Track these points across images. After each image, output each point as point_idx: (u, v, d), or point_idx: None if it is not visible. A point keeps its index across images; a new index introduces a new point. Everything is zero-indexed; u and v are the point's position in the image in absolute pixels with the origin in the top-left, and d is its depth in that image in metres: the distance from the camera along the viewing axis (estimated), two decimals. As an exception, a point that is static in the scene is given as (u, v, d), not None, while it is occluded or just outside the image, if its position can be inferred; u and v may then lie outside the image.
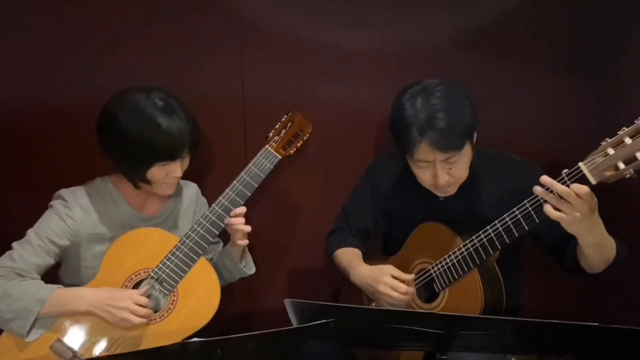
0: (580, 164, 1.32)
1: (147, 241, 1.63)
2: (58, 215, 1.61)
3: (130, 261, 1.61)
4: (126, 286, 1.59)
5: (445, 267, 1.58)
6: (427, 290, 1.66)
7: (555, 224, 1.35)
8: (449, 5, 1.84)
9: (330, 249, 1.86)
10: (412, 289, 1.61)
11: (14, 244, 1.58)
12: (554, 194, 1.32)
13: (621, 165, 1.26)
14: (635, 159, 1.24)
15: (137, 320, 1.53)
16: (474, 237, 1.53)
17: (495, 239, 1.49)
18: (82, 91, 1.85)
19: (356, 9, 1.86)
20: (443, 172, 1.52)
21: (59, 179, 1.71)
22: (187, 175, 1.89)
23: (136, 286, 1.60)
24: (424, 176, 1.56)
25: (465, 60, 1.86)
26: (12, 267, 1.54)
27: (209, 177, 1.80)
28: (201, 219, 1.64)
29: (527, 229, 1.44)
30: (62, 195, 1.63)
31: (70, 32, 1.86)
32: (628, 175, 1.27)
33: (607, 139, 1.29)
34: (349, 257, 1.76)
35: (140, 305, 1.54)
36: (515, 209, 1.45)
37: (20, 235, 1.60)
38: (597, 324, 1.19)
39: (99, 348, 1.55)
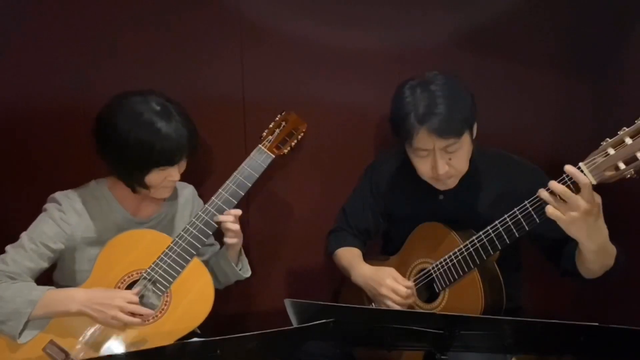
0: (580, 164, 1.32)
1: (140, 242, 1.63)
2: (52, 219, 1.60)
3: (123, 262, 1.61)
4: (119, 287, 1.59)
5: (446, 267, 1.58)
6: (427, 290, 1.66)
7: (554, 226, 1.35)
8: (448, 5, 1.84)
9: (330, 248, 1.86)
10: (413, 293, 1.60)
11: (8, 247, 1.58)
12: (557, 197, 1.32)
13: (622, 165, 1.26)
14: (636, 159, 1.24)
15: (128, 319, 1.52)
16: (474, 237, 1.53)
17: (495, 239, 1.49)
18: (82, 91, 1.85)
19: (356, 9, 1.86)
20: (442, 161, 1.52)
21: (59, 180, 1.71)
22: (187, 176, 1.89)
23: (129, 287, 1.60)
24: (424, 167, 1.56)
25: (465, 60, 1.86)
26: (4, 271, 1.54)
27: (208, 177, 1.80)
28: (194, 220, 1.64)
29: (527, 229, 1.44)
30: (56, 199, 1.62)
31: (69, 32, 1.86)
32: (629, 176, 1.27)
33: (608, 139, 1.29)
34: (349, 257, 1.76)
35: (131, 305, 1.53)
36: (515, 209, 1.45)
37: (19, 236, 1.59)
38: (597, 324, 1.19)
39: (92, 349, 1.55)
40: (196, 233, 1.63)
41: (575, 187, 1.30)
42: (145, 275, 1.60)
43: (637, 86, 1.79)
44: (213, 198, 1.66)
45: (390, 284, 1.58)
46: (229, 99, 1.92)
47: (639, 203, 1.41)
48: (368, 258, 1.76)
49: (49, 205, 1.63)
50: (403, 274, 1.63)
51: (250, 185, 1.68)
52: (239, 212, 1.65)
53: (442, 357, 1.30)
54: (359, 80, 1.91)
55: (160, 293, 1.60)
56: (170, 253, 1.61)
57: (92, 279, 1.59)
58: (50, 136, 1.85)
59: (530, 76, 1.88)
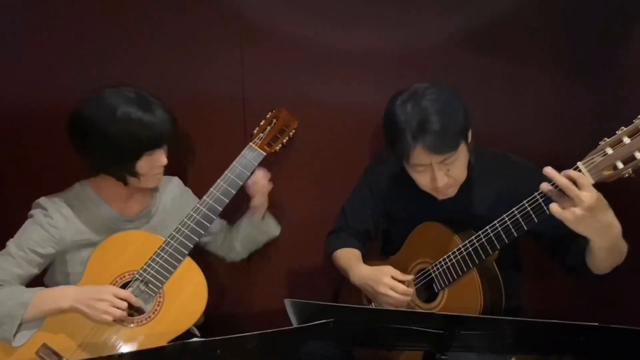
0: (579, 163, 1.32)
1: (131, 243, 1.64)
2: (39, 224, 1.59)
3: (115, 264, 1.61)
4: None
5: (445, 267, 1.58)
6: (426, 290, 1.66)
7: (556, 223, 1.35)
8: (448, 5, 1.84)
9: (329, 249, 1.86)
10: (411, 290, 1.61)
11: None
12: (557, 189, 1.31)
13: (620, 165, 1.26)
14: (634, 158, 1.24)
15: (118, 312, 1.52)
16: (473, 237, 1.53)
17: (494, 239, 1.49)
18: (82, 91, 1.85)
19: (356, 9, 1.86)
20: (441, 173, 1.52)
21: (58, 180, 1.72)
22: (187, 175, 1.91)
23: (122, 288, 1.60)
24: (423, 180, 1.56)
25: (465, 60, 1.86)
26: None
27: (208, 177, 1.79)
28: (185, 219, 1.65)
29: (526, 229, 1.44)
30: (41, 204, 1.62)
31: (69, 32, 1.86)
32: (627, 175, 1.27)
33: (606, 138, 1.29)
34: (349, 258, 1.76)
35: (121, 299, 1.54)
36: (514, 209, 1.45)
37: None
38: (597, 324, 1.19)
39: (87, 351, 1.55)
40: (188, 233, 1.63)
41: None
42: (137, 276, 1.60)
43: (636, 86, 1.79)
44: (204, 197, 1.68)
45: (388, 282, 1.58)
46: (229, 98, 1.92)
47: (639, 203, 1.41)
48: (368, 258, 1.76)
49: (34, 211, 1.62)
50: (402, 274, 1.64)
51: (241, 183, 1.69)
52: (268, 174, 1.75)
53: (442, 357, 1.30)
54: (359, 81, 1.91)
55: (152, 294, 1.60)
56: (162, 253, 1.61)
57: (84, 281, 1.59)
58: (50, 137, 1.85)
59: (530, 76, 1.88)
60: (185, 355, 1.23)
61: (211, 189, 1.69)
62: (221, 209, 1.68)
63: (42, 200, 1.63)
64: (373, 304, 1.69)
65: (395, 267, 1.64)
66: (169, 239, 1.63)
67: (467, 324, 1.27)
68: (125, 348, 1.56)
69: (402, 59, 1.87)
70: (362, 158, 1.90)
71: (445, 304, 1.60)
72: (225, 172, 1.70)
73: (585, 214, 1.28)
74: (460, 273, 1.55)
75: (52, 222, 1.60)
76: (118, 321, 1.56)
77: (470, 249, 1.53)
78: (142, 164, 1.60)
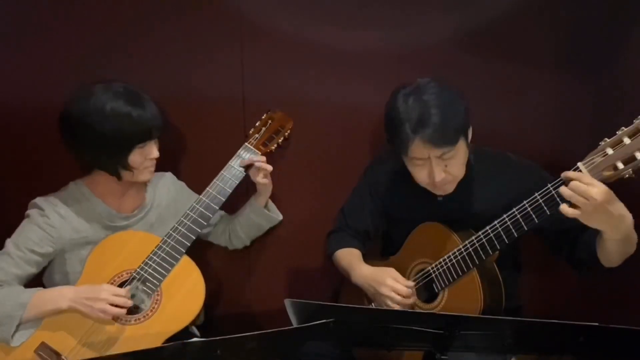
0: (579, 163, 1.32)
1: (128, 243, 1.64)
2: (36, 224, 1.60)
3: (112, 263, 1.62)
4: None
5: (445, 267, 1.58)
6: (426, 290, 1.66)
7: (558, 218, 1.35)
8: (448, 5, 1.84)
9: (329, 249, 1.86)
10: (412, 293, 1.61)
11: None
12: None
13: (620, 165, 1.27)
14: (634, 158, 1.24)
15: (115, 311, 1.53)
16: (473, 237, 1.53)
17: (494, 239, 1.49)
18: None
19: (356, 9, 1.86)
20: (439, 169, 1.52)
21: (55, 180, 1.72)
22: (187, 175, 1.91)
23: (120, 287, 1.59)
24: (421, 175, 1.56)
25: (464, 60, 1.86)
26: None
27: (208, 177, 1.80)
28: (182, 218, 1.66)
29: (526, 229, 1.44)
30: (37, 204, 1.63)
31: (69, 32, 1.86)
32: (627, 175, 1.27)
33: (606, 138, 1.29)
34: (349, 258, 1.76)
35: (119, 298, 1.54)
36: (514, 209, 1.45)
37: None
38: (597, 324, 1.19)
39: (86, 349, 1.55)
40: (184, 231, 1.64)
41: None
42: (135, 274, 1.61)
43: (636, 86, 1.79)
44: (201, 196, 1.70)
45: (390, 284, 1.58)
46: (229, 99, 1.92)
47: (639, 203, 1.41)
48: (368, 258, 1.76)
49: (31, 211, 1.63)
50: (402, 274, 1.63)
51: (237, 182, 1.72)
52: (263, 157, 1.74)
53: (442, 357, 1.30)
54: (359, 81, 1.91)
55: (150, 292, 1.61)
56: (159, 252, 1.62)
57: (82, 281, 1.60)
58: (48, 137, 1.84)
59: (530, 76, 1.88)
60: (185, 355, 1.23)
61: (208, 188, 1.71)
62: (218, 208, 1.70)
63: (38, 200, 1.64)
64: (373, 304, 1.69)
65: (395, 267, 1.64)
66: (165, 238, 1.63)
67: (467, 324, 1.27)
68: (123, 346, 1.56)
69: (402, 58, 1.87)
70: (362, 158, 1.90)
71: (445, 304, 1.60)
72: (221, 171, 1.72)
73: (597, 209, 1.28)
74: (461, 273, 1.55)
75: (49, 221, 1.60)
76: (116, 319, 1.57)
77: (470, 249, 1.53)
78: (134, 157, 1.61)
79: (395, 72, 1.86)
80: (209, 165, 1.82)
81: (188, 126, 1.94)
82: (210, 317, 1.85)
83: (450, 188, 1.59)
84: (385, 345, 1.47)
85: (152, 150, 1.65)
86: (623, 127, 1.27)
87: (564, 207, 1.32)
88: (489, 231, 1.50)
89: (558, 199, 1.35)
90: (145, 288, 1.61)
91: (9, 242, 1.60)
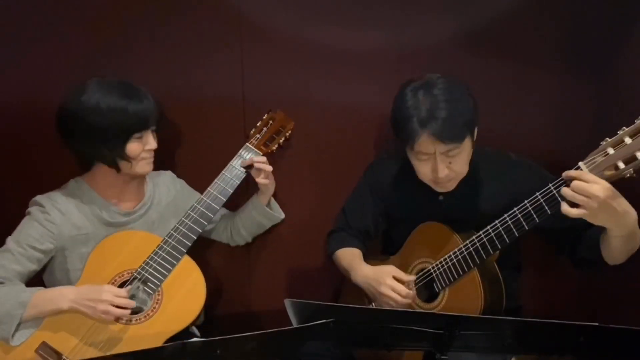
0: (580, 163, 1.32)
1: (129, 243, 1.64)
2: (37, 221, 1.61)
3: (113, 263, 1.62)
4: None
5: (446, 266, 1.58)
6: (427, 290, 1.66)
7: (556, 219, 1.35)
8: (448, 5, 1.84)
9: (330, 249, 1.86)
10: (413, 292, 1.60)
11: None
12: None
13: (621, 165, 1.27)
14: (635, 158, 1.24)
15: (117, 312, 1.53)
16: (474, 237, 1.53)
17: (495, 238, 1.49)
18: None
19: (356, 9, 1.86)
20: (443, 165, 1.52)
21: (56, 178, 1.72)
22: (186, 175, 1.90)
23: (121, 287, 1.60)
24: (424, 170, 1.56)
25: (464, 60, 1.86)
26: None
27: (208, 177, 1.80)
28: (183, 218, 1.66)
29: (527, 228, 1.44)
30: (38, 201, 1.64)
31: (69, 32, 1.86)
32: (628, 175, 1.27)
33: (607, 138, 1.30)
34: (350, 258, 1.76)
35: (120, 299, 1.54)
36: (515, 208, 1.45)
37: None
38: (597, 324, 1.19)
39: (86, 349, 1.55)
40: (185, 231, 1.64)
41: None
42: (135, 274, 1.61)
43: (637, 86, 1.79)
44: (202, 196, 1.69)
45: (390, 283, 1.58)
46: (229, 98, 1.92)
47: (639, 203, 1.41)
48: (368, 258, 1.76)
49: (32, 209, 1.64)
50: (403, 274, 1.63)
51: (238, 182, 1.72)
52: (263, 158, 1.74)
53: (442, 357, 1.30)
54: (359, 81, 1.91)
55: (151, 292, 1.61)
56: (160, 252, 1.62)
57: (83, 280, 1.60)
58: (48, 136, 1.84)
59: (530, 76, 1.87)
60: (185, 355, 1.23)
61: (209, 188, 1.71)
62: (219, 208, 1.70)
63: (39, 197, 1.65)
64: (373, 303, 1.69)
65: (396, 266, 1.64)
66: (166, 238, 1.64)
67: (467, 324, 1.27)
68: (124, 346, 1.56)
69: (402, 59, 1.87)
70: (363, 158, 1.89)
71: (445, 304, 1.60)
72: (222, 171, 1.72)
73: (602, 206, 1.28)
74: (461, 273, 1.55)
75: (49, 217, 1.61)
76: (117, 319, 1.56)
77: (471, 248, 1.53)
78: (132, 147, 1.62)
79: (396, 72, 1.85)
80: (209, 164, 1.82)
81: (188, 126, 1.94)
82: (210, 317, 1.85)
83: (452, 185, 1.58)
84: (385, 345, 1.47)
85: (150, 141, 1.66)
86: (624, 127, 1.27)
87: (566, 208, 1.31)
88: (490, 231, 1.49)
89: (559, 199, 1.35)
90: (146, 288, 1.61)
91: (9, 239, 1.60)
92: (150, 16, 1.86)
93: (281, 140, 1.81)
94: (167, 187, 1.81)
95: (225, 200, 1.69)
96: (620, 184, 1.30)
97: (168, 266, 1.62)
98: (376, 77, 1.89)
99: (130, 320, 1.58)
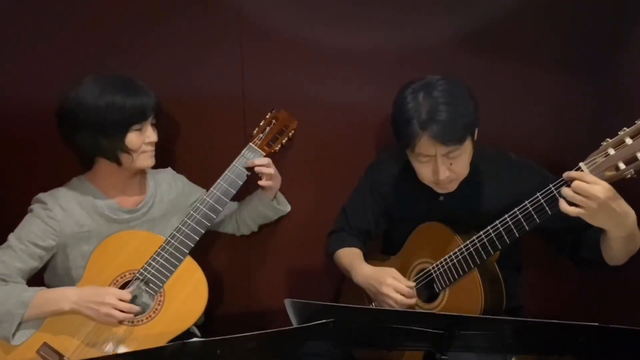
0: (581, 164, 1.32)
1: (131, 242, 1.64)
2: (39, 218, 1.60)
3: (115, 263, 1.61)
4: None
5: (446, 267, 1.58)
6: (427, 290, 1.66)
7: (561, 217, 1.35)
8: (448, 5, 1.84)
9: (330, 249, 1.86)
10: (413, 292, 1.60)
11: None
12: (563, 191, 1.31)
13: (622, 166, 1.27)
14: (636, 159, 1.25)
15: (121, 316, 1.53)
16: (474, 237, 1.53)
17: (495, 239, 1.49)
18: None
19: (356, 9, 1.86)
20: (444, 167, 1.52)
21: (58, 177, 1.72)
22: (187, 175, 1.90)
23: (123, 288, 1.60)
24: (425, 171, 1.56)
25: (464, 60, 1.86)
26: None
27: (208, 177, 1.80)
28: (186, 219, 1.66)
29: (527, 228, 1.44)
30: (40, 199, 1.64)
31: (69, 31, 1.86)
32: (629, 176, 1.27)
33: (608, 139, 1.30)
34: (350, 258, 1.76)
35: (124, 302, 1.54)
36: (516, 209, 1.45)
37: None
38: (597, 324, 1.19)
39: (87, 350, 1.55)
40: (188, 232, 1.64)
41: None
42: (138, 275, 1.60)
43: (637, 86, 1.79)
44: (204, 197, 1.69)
45: (392, 283, 1.58)
46: (229, 98, 1.92)
47: (639, 204, 1.41)
48: (368, 258, 1.76)
49: (34, 206, 1.64)
50: (403, 274, 1.63)
51: (241, 182, 1.71)
52: (267, 160, 1.74)
53: (442, 357, 1.30)
54: (359, 81, 1.91)
55: (153, 293, 1.60)
56: (163, 252, 1.62)
57: (84, 280, 1.59)
58: (49, 135, 1.84)
59: (530, 76, 1.87)
60: (185, 355, 1.23)
61: (211, 189, 1.70)
62: (222, 209, 1.69)
63: (41, 195, 1.65)
64: (373, 303, 1.69)
65: (396, 266, 1.64)
66: (169, 238, 1.63)
67: (467, 324, 1.27)
68: (125, 347, 1.55)
69: (403, 59, 1.87)
70: (363, 158, 1.89)
71: (446, 304, 1.60)
72: (226, 171, 1.71)
73: (601, 207, 1.28)
74: (462, 273, 1.55)
75: (51, 214, 1.61)
76: (120, 322, 1.56)
77: (471, 249, 1.53)
78: (132, 139, 1.62)
79: (396, 72, 1.85)
80: (209, 164, 1.82)
81: (188, 125, 1.94)
82: (210, 317, 1.85)
83: (453, 186, 1.59)
84: (385, 345, 1.47)
85: (150, 133, 1.66)
86: (625, 128, 1.27)
87: (564, 206, 1.31)
88: (490, 231, 1.49)
89: (559, 198, 1.35)
90: (148, 289, 1.61)
91: (11, 236, 1.60)
92: (150, 16, 1.86)
93: (284, 140, 1.80)
94: (168, 184, 1.81)
95: (228, 201, 1.69)
96: (619, 184, 1.30)
97: (171, 267, 1.61)
98: (376, 76, 1.89)
99: (132, 322, 1.58)
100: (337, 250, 1.82)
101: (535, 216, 1.42)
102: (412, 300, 1.59)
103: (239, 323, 2.04)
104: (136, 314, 1.58)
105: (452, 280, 1.57)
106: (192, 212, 1.66)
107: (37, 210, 1.62)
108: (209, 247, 1.99)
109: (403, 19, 1.86)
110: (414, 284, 1.62)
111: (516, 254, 1.71)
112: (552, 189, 1.38)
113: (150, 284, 1.60)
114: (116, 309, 1.52)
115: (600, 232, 1.41)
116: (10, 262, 1.56)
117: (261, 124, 1.80)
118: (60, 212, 1.62)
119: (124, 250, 1.62)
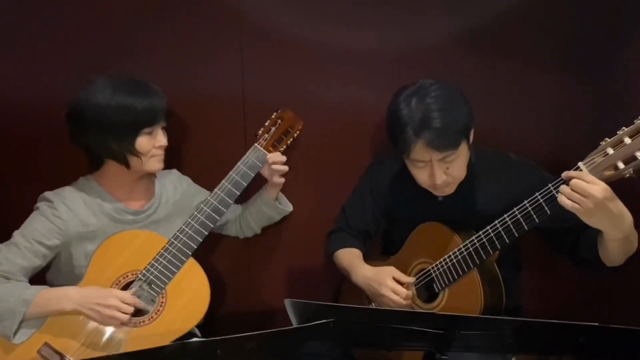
0: (580, 163, 1.33)
1: (134, 243, 1.63)
2: (44, 216, 1.60)
3: (117, 263, 1.61)
4: (115, 288, 1.59)
5: (445, 267, 1.58)
6: (427, 290, 1.66)
7: (561, 216, 1.34)
8: (448, 5, 1.84)
9: (330, 249, 1.86)
10: (413, 292, 1.60)
11: (0, 246, 1.58)
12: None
13: (621, 165, 1.27)
14: (635, 158, 1.25)
15: (125, 317, 1.53)
16: (473, 237, 1.53)
17: (495, 239, 1.49)
18: (82, 89, 1.85)
19: (356, 9, 1.86)
20: (440, 171, 1.52)
21: (63, 177, 1.72)
22: (187, 175, 1.90)
23: (125, 288, 1.60)
24: (422, 176, 1.56)
25: (465, 60, 1.86)
26: None
27: (208, 177, 1.80)
28: (189, 220, 1.65)
29: (527, 228, 1.44)
30: (46, 197, 1.64)
31: (69, 33, 1.86)
32: (627, 175, 1.27)
33: (607, 138, 1.30)
34: (350, 258, 1.76)
35: (127, 304, 1.54)
36: (515, 209, 1.45)
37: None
38: (597, 324, 1.19)
39: (89, 350, 1.54)
40: (192, 233, 1.64)
41: None
42: (140, 276, 1.60)
43: (637, 86, 1.79)
44: (208, 197, 1.68)
45: (390, 285, 1.58)
46: (229, 98, 1.92)
47: (639, 203, 1.41)
48: (368, 258, 1.77)
49: (40, 204, 1.64)
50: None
51: (246, 184, 1.70)
52: (283, 157, 1.75)
53: (442, 357, 1.30)
54: (358, 81, 1.91)
55: (155, 294, 1.60)
56: (166, 254, 1.61)
57: (87, 280, 1.59)
58: (53, 134, 1.85)
59: (530, 76, 1.88)
60: (185, 355, 1.23)
61: (216, 190, 1.69)
62: (225, 210, 1.68)
63: (47, 193, 1.65)
64: (373, 304, 1.69)
65: (396, 266, 1.64)
66: (172, 239, 1.63)
67: (467, 324, 1.27)
68: (127, 348, 1.55)
69: (403, 59, 1.87)
70: (363, 158, 1.90)
71: (445, 304, 1.60)
72: (230, 172, 1.70)
73: (598, 207, 1.28)
74: (461, 273, 1.55)
75: (57, 213, 1.61)
76: (122, 324, 1.56)
77: (470, 249, 1.53)
78: (142, 142, 1.62)
79: (396, 73, 1.86)
80: (209, 164, 1.82)
81: (188, 125, 1.94)
82: (210, 317, 1.85)
83: (450, 190, 1.59)
84: (385, 345, 1.47)
85: (160, 137, 1.66)
86: (624, 127, 1.27)
87: (562, 199, 1.31)
88: (490, 231, 1.50)
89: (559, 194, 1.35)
90: (150, 290, 1.60)
91: (16, 233, 1.59)
92: (150, 17, 1.86)
93: (289, 141, 1.79)
94: (174, 185, 1.81)
95: (232, 202, 1.68)
96: (617, 187, 1.30)
97: (173, 268, 1.61)
98: (376, 77, 1.89)
99: (134, 323, 1.58)
100: (337, 250, 1.82)
101: (534, 216, 1.42)
102: (410, 302, 1.59)
103: (239, 323, 2.04)
104: (138, 315, 1.58)
105: (451, 280, 1.57)
106: (195, 213, 1.66)
107: (42, 208, 1.62)
108: (209, 247, 1.99)
109: (403, 19, 1.86)
110: (414, 279, 1.62)
111: (516, 253, 1.71)
112: (551, 188, 1.38)
113: (153, 285, 1.60)
114: (119, 311, 1.52)
115: (597, 233, 1.42)
116: (14, 260, 1.56)
117: (266, 124, 1.78)
118: (66, 211, 1.62)
119: (126, 251, 1.62)
